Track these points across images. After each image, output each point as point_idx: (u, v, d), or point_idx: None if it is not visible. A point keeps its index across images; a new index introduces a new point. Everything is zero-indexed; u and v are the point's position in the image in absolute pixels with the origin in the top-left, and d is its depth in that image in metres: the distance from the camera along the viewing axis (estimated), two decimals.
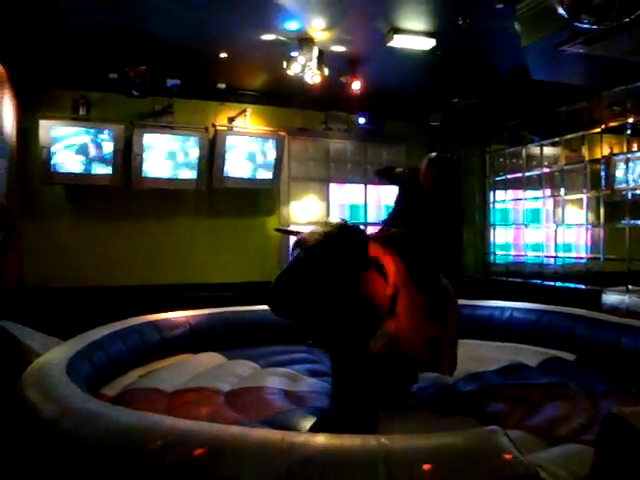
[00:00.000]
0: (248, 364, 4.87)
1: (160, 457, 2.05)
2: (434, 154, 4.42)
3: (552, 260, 8.29)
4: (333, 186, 9.04)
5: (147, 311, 5.36)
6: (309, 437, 2.10)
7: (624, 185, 7.45)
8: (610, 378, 4.29)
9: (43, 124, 6.83)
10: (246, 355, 5.09)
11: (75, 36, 5.99)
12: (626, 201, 6.99)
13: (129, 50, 6.44)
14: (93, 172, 7.20)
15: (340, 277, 3.39)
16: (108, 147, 7.22)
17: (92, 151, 7.17)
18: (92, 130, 7.18)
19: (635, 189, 7.39)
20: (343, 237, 3.46)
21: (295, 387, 4.28)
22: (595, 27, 3.45)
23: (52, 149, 6.89)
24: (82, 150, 7.12)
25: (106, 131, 7.21)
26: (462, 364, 4.67)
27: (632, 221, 6.83)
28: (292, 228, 3.82)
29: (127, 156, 7.34)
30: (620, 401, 3.58)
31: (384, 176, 4.53)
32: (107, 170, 7.25)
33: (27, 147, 7.04)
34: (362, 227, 3.88)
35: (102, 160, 7.23)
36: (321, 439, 2.09)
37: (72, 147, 7.06)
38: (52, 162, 6.93)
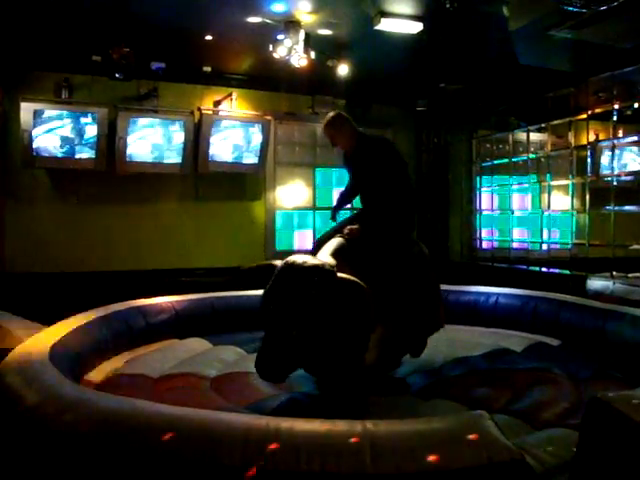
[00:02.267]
0: (234, 349, 4.86)
1: (144, 443, 2.03)
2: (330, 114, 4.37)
3: (538, 246, 8.32)
4: (319, 171, 8.99)
5: (132, 296, 5.33)
6: (294, 422, 2.09)
7: (609, 171, 7.48)
8: (594, 363, 4.33)
9: (24, 107, 6.70)
10: (232, 340, 5.08)
11: (58, 17, 5.87)
12: (611, 187, 7.01)
13: (113, 32, 6.32)
14: (76, 156, 7.10)
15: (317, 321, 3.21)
16: (91, 131, 7.11)
17: (75, 135, 7.06)
18: (75, 113, 7.06)
19: (620, 175, 7.43)
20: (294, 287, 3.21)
21: None
22: (584, 10, 3.44)
23: (33, 132, 6.77)
24: (65, 133, 7.01)
25: (89, 114, 7.11)
26: (448, 349, 4.71)
27: (617, 207, 6.85)
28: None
29: (111, 140, 7.23)
30: (604, 386, 3.61)
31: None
32: (90, 154, 7.15)
33: (8, 130, 6.93)
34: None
35: (85, 144, 7.12)
36: (306, 424, 2.08)
37: (54, 130, 6.95)
38: (34, 145, 6.81)
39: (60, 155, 7.01)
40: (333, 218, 4.52)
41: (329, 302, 3.20)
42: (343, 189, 4.67)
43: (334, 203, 4.73)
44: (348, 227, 4.00)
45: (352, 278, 3.38)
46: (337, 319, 3.26)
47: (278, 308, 3.18)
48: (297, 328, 3.13)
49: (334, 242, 3.91)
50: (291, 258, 3.33)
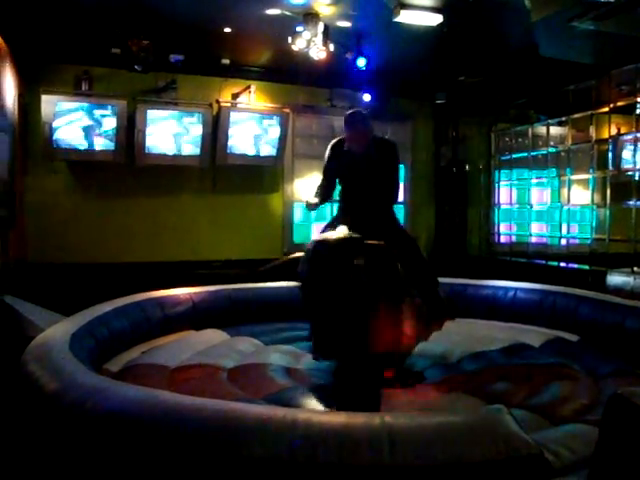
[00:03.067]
0: (251, 341, 4.87)
1: (161, 433, 2.04)
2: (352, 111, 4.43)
3: (556, 240, 8.24)
4: None
5: (150, 288, 5.35)
6: (312, 414, 2.09)
7: (631, 165, 7.38)
8: (614, 359, 4.28)
9: (45, 99, 6.77)
10: (249, 332, 5.08)
11: (77, 10, 5.90)
12: (633, 182, 6.92)
13: (132, 24, 6.34)
14: (95, 148, 7.16)
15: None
16: (111, 123, 7.17)
17: (94, 127, 7.12)
18: (95, 106, 7.12)
19: None
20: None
21: (298, 364, 4.28)
22: (609, 1, 3.38)
23: (54, 124, 6.84)
24: (84, 126, 7.07)
25: (109, 107, 7.16)
26: (466, 343, 4.68)
27: (638, 202, 6.76)
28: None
29: (130, 132, 7.29)
30: (623, 382, 3.56)
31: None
32: (110, 146, 7.21)
33: (29, 122, 6.99)
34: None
35: (105, 136, 7.18)
36: (324, 416, 2.08)
37: (74, 123, 7.01)
38: (54, 138, 6.88)
39: (80, 147, 7.07)
40: (312, 210, 4.58)
41: (368, 268, 3.41)
42: (325, 184, 4.66)
43: (313, 197, 4.61)
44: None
45: (377, 242, 3.48)
46: (376, 282, 3.47)
47: (325, 285, 3.24)
48: (346, 299, 3.31)
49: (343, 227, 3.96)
50: (319, 238, 3.42)
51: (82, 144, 7.08)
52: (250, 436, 1.94)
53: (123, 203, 7.58)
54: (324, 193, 4.61)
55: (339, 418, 2.03)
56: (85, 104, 7.08)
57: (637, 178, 6.94)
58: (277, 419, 2.01)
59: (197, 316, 5.30)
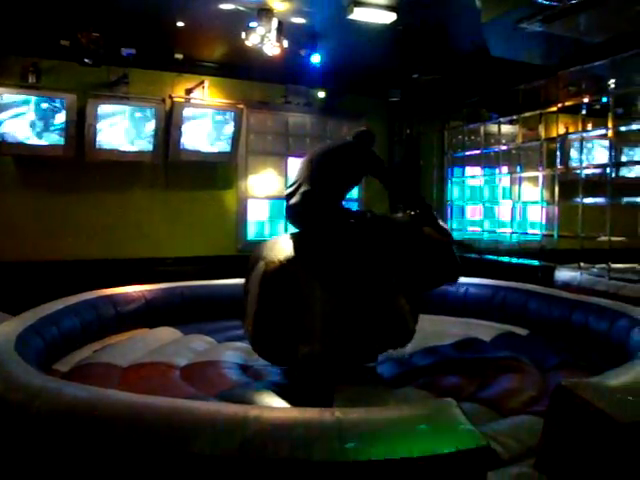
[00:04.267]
0: (204, 338, 4.85)
1: (111, 432, 2.01)
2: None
3: (507, 237, 8.42)
4: (292, 160, 8.96)
5: (102, 286, 5.27)
6: (263, 411, 2.09)
7: (578, 164, 7.59)
8: (561, 352, 4.40)
9: None
10: (202, 330, 5.06)
11: None
12: (580, 179, 7.12)
13: (82, 16, 6.19)
14: (44, 143, 6.97)
15: None
16: (60, 117, 6.99)
17: (43, 121, 6.93)
18: (43, 99, 6.92)
19: (588, 168, 7.54)
20: None
21: (251, 361, 4.28)
22: (555, 4, 3.47)
23: None
24: (32, 120, 6.87)
25: (58, 100, 6.97)
26: (418, 338, 4.74)
27: (585, 199, 6.96)
28: None
29: (80, 127, 7.11)
30: (569, 374, 3.67)
31: None
32: (59, 141, 7.02)
33: None
34: None
35: (54, 130, 6.99)
36: (275, 412, 2.09)
37: (22, 116, 6.81)
38: (0, 131, 6.67)
39: (28, 142, 6.87)
40: None
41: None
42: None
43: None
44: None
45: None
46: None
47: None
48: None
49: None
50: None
51: (30, 138, 6.88)
52: (201, 433, 1.93)
53: (73, 199, 7.40)
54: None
55: (291, 414, 2.04)
56: (33, 97, 6.87)
57: (583, 176, 7.13)
58: (228, 416, 2.01)
59: (150, 314, 5.24)
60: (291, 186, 4.05)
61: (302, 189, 3.92)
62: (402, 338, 4.08)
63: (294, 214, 4.03)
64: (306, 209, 3.93)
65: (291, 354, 3.77)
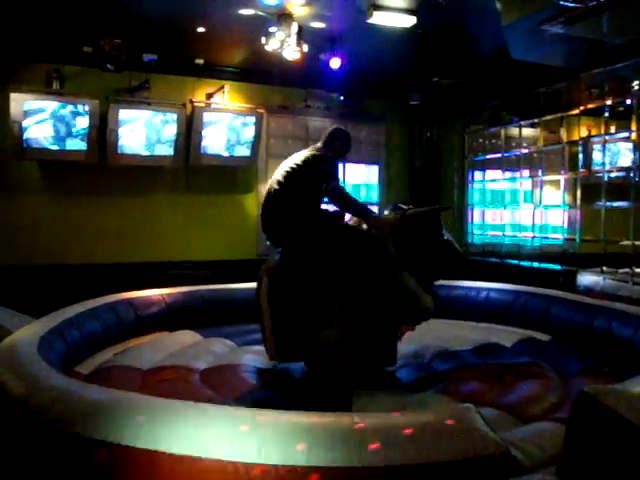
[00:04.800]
0: (224, 342, 4.86)
1: (131, 435, 2.02)
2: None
3: (529, 241, 8.34)
4: None
5: (122, 289, 5.31)
6: (281, 415, 2.09)
7: (601, 167, 7.50)
8: (583, 358, 4.35)
9: (14, 97, 6.64)
10: (222, 333, 5.07)
11: (48, 7, 5.81)
12: (603, 183, 7.03)
13: (104, 23, 6.27)
14: (67, 148, 7.05)
15: None
16: (83, 122, 7.07)
17: (66, 126, 7.01)
18: (66, 105, 7.00)
19: (611, 171, 7.44)
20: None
21: (270, 365, 4.27)
22: (578, 5, 3.43)
23: (24, 124, 6.72)
24: (56, 125, 6.95)
25: (80, 106, 7.06)
26: (438, 343, 4.72)
27: (608, 203, 6.87)
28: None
29: (102, 132, 7.19)
30: (592, 380, 3.63)
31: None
32: (81, 146, 7.10)
33: None
34: None
35: (76, 135, 7.07)
36: (293, 417, 2.08)
37: (45, 122, 6.90)
38: (24, 137, 6.75)
39: (51, 147, 6.96)
40: None
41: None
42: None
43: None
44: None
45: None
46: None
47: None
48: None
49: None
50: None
51: (53, 144, 6.97)
52: (220, 437, 1.93)
53: (95, 204, 7.48)
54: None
55: (308, 418, 2.04)
56: (56, 103, 6.96)
57: (606, 179, 7.05)
58: (246, 419, 2.01)
59: (170, 317, 5.27)
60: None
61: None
62: (416, 314, 4.16)
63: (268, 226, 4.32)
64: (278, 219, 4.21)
65: (313, 347, 3.90)
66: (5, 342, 3.26)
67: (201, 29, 6.54)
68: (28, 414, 2.32)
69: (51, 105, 6.92)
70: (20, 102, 6.67)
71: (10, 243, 6.97)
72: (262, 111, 8.18)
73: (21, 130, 6.71)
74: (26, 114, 6.73)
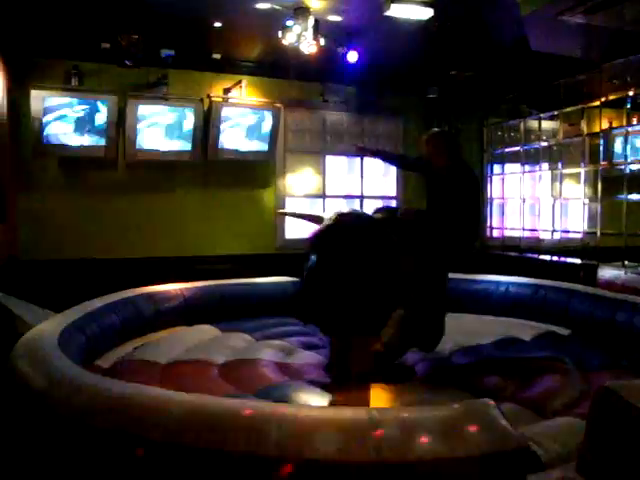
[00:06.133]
0: (242, 336, 4.86)
1: (151, 429, 2.04)
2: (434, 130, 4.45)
3: (549, 234, 8.26)
4: (329, 158, 8.96)
5: (141, 283, 5.34)
6: (300, 409, 2.09)
7: (622, 159, 7.39)
8: (604, 353, 4.30)
9: (34, 94, 6.71)
10: (240, 328, 5.08)
11: (66, 4, 5.86)
12: (624, 175, 6.93)
13: (122, 19, 6.30)
14: (86, 143, 7.12)
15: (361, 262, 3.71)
16: (101, 118, 7.13)
17: (85, 122, 7.07)
18: (85, 101, 7.07)
19: (633, 163, 7.34)
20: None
21: (289, 359, 4.28)
22: None
23: (44, 120, 6.79)
24: (75, 121, 7.02)
25: (99, 102, 7.11)
26: (458, 337, 4.69)
27: (629, 196, 6.78)
28: (294, 211, 4.13)
29: (121, 127, 7.25)
30: (613, 375, 3.58)
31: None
32: (101, 142, 7.16)
33: (18, 118, 6.93)
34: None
35: (95, 131, 7.14)
36: (312, 411, 2.08)
37: (64, 118, 6.96)
38: (44, 133, 6.83)
39: (71, 143, 7.03)
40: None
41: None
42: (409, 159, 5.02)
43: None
44: (404, 207, 4.24)
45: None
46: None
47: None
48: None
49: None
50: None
51: (72, 140, 7.03)
52: (239, 431, 1.94)
53: (114, 199, 7.54)
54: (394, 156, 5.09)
55: (327, 413, 2.04)
56: (75, 99, 7.03)
57: (628, 172, 6.95)
58: (265, 414, 2.01)
59: (189, 312, 5.29)
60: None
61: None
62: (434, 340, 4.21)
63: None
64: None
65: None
66: (27, 336, 3.29)
67: (218, 24, 6.55)
68: (48, 406, 2.34)
69: (70, 102, 6.98)
70: (40, 99, 6.74)
71: (31, 238, 7.05)
72: (279, 105, 8.18)
73: (41, 126, 6.79)
74: (46, 111, 6.80)
